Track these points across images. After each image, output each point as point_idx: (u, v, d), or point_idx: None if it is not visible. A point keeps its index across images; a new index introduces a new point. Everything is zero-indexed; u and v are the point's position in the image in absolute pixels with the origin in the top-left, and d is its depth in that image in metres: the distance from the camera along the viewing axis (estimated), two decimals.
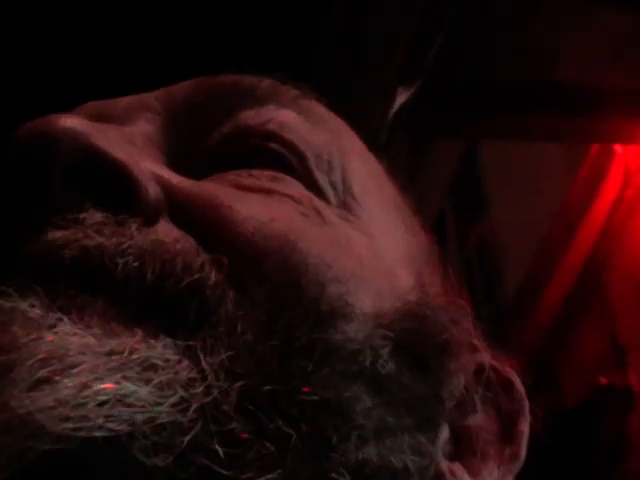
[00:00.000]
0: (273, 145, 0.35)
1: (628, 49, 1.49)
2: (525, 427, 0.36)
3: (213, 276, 0.29)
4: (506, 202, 2.24)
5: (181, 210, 0.31)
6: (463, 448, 0.34)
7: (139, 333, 0.27)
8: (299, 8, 1.13)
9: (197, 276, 0.29)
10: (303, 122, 0.37)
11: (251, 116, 0.36)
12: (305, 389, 0.28)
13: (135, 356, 0.27)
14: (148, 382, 0.26)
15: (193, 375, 0.27)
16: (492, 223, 2.30)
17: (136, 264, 0.29)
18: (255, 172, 0.34)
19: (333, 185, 0.36)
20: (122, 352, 0.26)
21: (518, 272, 2.21)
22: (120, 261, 0.28)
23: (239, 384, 0.27)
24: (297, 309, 0.29)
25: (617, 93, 1.55)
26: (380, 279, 0.33)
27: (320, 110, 0.39)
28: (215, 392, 0.27)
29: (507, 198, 2.24)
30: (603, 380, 1.98)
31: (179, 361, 0.27)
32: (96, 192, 0.30)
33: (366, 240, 0.35)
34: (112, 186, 0.30)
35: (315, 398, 0.28)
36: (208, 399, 0.26)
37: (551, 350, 2.19)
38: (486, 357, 0.36)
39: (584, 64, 1.50)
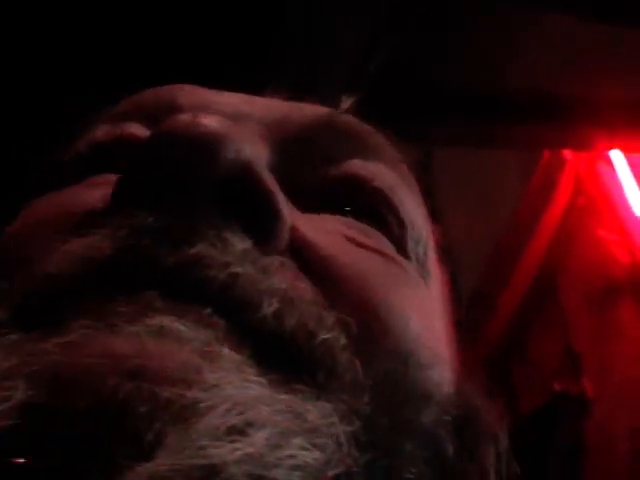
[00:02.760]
0: (380, 206, 0.35)
1: (579, 57, 1.50)
2: None
3: (343, 338, 0.28)
4: (460, 210, 2.25)
5: (301, 256, 0.30)
6: None
7: (304, 393, 0.26)
8: (253, 22, 1.12)
9: (330, 335, 0.27)
10: (405, 189, 0.37)
11: (361, 167, 0.36)
12: (403, 470, 0.28)
13: (309, 419, 0.25)
14: (321, 449, 0.25)
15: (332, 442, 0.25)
16: (445, 231, 2.32)
17: (277, 307, 0.26)
18: (364, 229, 0.34)
19: (417, 258, 0.36)
20: (300, 414, 0.25)
21: (472, 279, 2.23)
22: (266, 300, 0.26)
23: (367, 457, 0.26)
24: (403, 389, 0.29)
25: (569, 100, 1.57)
26: (444, 357, 0.34)
27: (411, 177, 0.40)
28: (349, 461, 0.25)
29: (460, 206, 2.25)
30: (557, 386, 1.99)
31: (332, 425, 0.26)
32: (238, 212, 0.28)
33: (438, 319, 0.36)
34: (256, 212, 0.28)
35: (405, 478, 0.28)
36: (342, 469, 0.25)
37: (506, 357, 2.20)
38: (503, 446, 0.36)
39: (535, 70, 1.51)
